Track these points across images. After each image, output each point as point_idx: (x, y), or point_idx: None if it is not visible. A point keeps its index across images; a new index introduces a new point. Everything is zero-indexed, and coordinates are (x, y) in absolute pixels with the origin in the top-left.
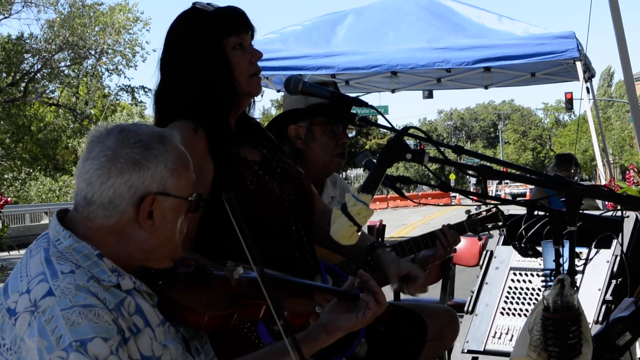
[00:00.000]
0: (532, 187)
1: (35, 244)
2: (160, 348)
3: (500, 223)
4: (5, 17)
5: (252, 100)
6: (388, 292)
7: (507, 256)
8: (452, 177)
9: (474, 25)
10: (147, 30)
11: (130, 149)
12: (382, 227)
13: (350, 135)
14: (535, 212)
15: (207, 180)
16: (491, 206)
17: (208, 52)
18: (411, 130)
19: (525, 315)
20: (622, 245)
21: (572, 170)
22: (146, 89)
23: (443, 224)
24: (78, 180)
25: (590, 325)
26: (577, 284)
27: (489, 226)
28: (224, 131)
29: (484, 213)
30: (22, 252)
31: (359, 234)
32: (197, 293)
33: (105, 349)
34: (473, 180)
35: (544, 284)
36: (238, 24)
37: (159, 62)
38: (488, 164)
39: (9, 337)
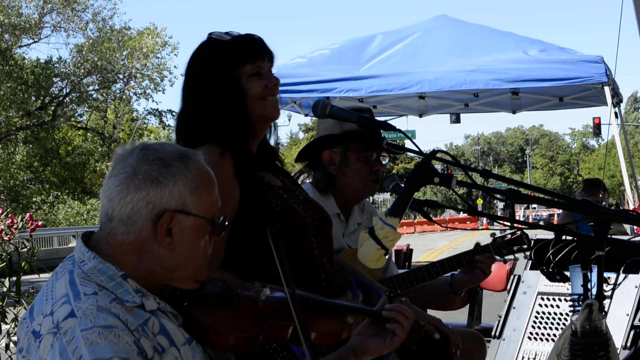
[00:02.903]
0: (560, 212)
1: (61, 266)
2: None
3: (526, 246)
4: (35, 42)
5: (272, 125)
6: None
7: (534, 281)
8: (480, 202)
9: (503, 48)
10: (175, 54)
11: (149, 166)
12: (409, 252)
13: (384, 162)
14: (563, 237)
15: (234, 204)
16: (516, 229)
17: (223, 82)
18: (439, 154)
19: (552, 340)
20: None
21: (600, 195)
22: (174, 113)
23: (477, 243)
24: (101, 197)
25: (618, 351)
26: (606, 309)
27: (515, 249)
28: (249, 156)
29: (509, 236)
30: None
31: (387, 257)
32: (223, 314)
33: None
34: (500, 205)
35: (571, 308)
36: (254, 52)
37: (181, 90)
38: (516, 188)
39: (34, 358)
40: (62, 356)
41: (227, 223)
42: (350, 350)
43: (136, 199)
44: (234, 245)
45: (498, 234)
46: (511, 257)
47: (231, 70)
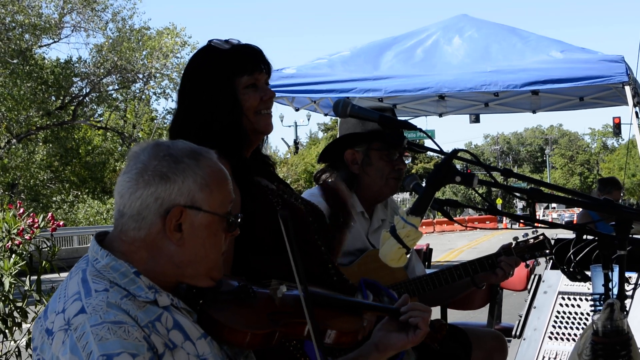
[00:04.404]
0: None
1: (76, 266)
2: None
3: (548, 251)
4: (55, 42)
5: (264, 137)
6: (435, 311)
7: (555, 280)
8: (499, 201)
9: (523, 49)
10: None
11: (159, 162)
12: (429, 251)
13: (406, 161)
14: (584, 237)
15: (236, 209)
16: (539, 234)
17: (218, 91)
18: (460, 154)
19: (573, 340)
20: None
21: (616, 194)
22: None
23: (502, 246)
24: (115, 194)
25: None
26: (627, 309)
27: (537, 254)
28: (245, 161)
29: (532, 241)
30: None
31: (408, 256)
32: (238, 312)
33: None
34: (520, 205)
35: (593, 308)
36: (251, 63)
37: (177, 94)
38: (537, 187)
39: (47, 356)
40: (73, 352)
41: (240, 220)
42: (373, 346)
43: (145, 195)
44: (238, 248)
45: (520, 236)
46: (533, 260)
47: (228, 81)
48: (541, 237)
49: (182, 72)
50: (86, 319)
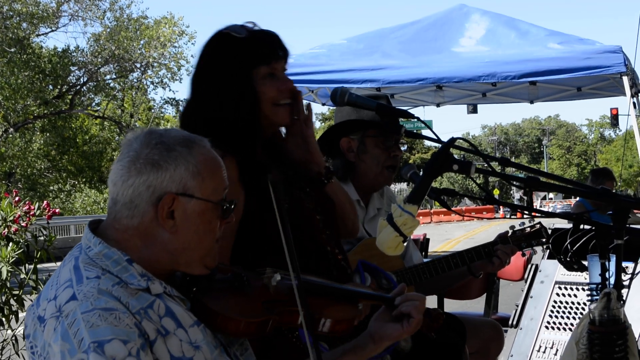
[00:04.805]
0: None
1: (69, 254)
2: (191, 350)
3: (544, 240)
4: (53, 30)
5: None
6: (432, 301)
7: (552, 270)
8: (496, 192)
9: (521, 39)
10: (192, 43)
11: (151, 150)
12: (426, 241)
13: (402, 148)
14: (581, 226)
15: (239, 208)
16: (535, 222)
17: (234, 83)
18: (458, 142)
19: (570, 329)
20: None
21: (609, 185)
22: None
23: (499, 234)
24: (108, 183)
25: (636, 339)
26: (624, 298)
27: (533, 242)
28: (254, 159)
29: (528, 229)
30: None
31: (405, 244)
32: (232, 300)
33: (123, 350)
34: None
35: (589, 298)
36: (270, 52)
37: (190, 80)
38: (534, 176)
39: (40, 343)
40: (64, 339)
41: (233, 207)
42: (369, 337)
43: (137, 183)
44: (243, 246)
45: (517, 226)
46: (529, 249)
47: (245, 72)
48: (538, 225)
49: (197, 56)
50: (77, 306)
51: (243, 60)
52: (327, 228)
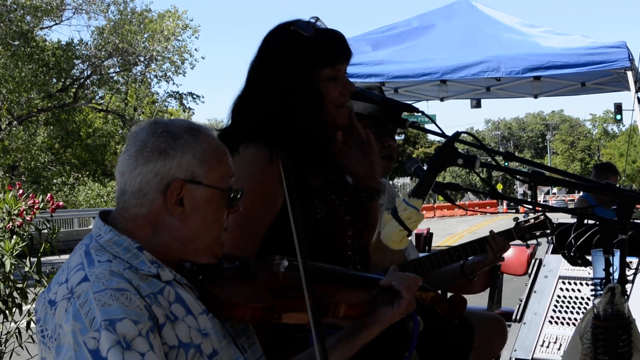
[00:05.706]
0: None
1: (80, 243)
2: (200, 336)
3: (549, 231)
4: (56, 24)
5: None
6: None
7: (556, 265)
8: (500, 187)
9: (525, 37)
10: (196, 37)
11: (157, 139)
12: (430, 236)
13: (398, 138)
14: (585, 221)
15: (276, 208)
16: (539, 214)
17: (298, 82)
18: (462, 136)
19: (574, 324)
20: None
21: (613, 179)
22: (194, 96)
23: (491, 230)
24: (116, 174)
25: None
26: (628, 293)
27: (537, 234)
28: (302, 165)
29: (532, 220)
30: None
31: (409, 239)
32: (239, 286)
33: (134, 330)
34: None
35: (593, 293)
36: (335, 56)
37: (247, 70)
38: (538, 170)
39: (50, 326)
40: (76, 318)
41: (240, 196)
42: (361, 323)
43: (145, 171)
44: (272, 246)
45: (521, 218)
46: (534, 241)
47: (310, 71)
48: (542, 217)
49: (259, 48)
50: (89, 287)
51: (308, 59)
52: (355, 241)
